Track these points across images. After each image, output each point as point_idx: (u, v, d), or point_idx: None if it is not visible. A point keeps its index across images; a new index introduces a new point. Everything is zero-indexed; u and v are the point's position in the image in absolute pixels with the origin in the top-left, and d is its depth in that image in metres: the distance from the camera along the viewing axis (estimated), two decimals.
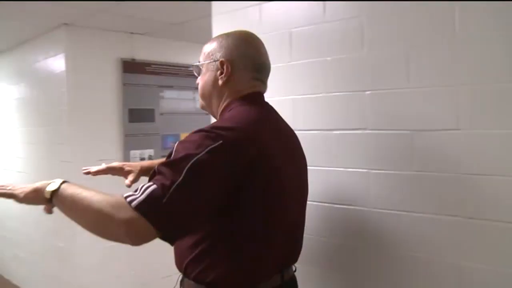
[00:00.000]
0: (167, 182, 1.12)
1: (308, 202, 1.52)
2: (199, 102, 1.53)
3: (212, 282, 1.29)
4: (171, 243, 1.19)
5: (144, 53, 3.97)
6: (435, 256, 1.46)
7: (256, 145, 1.24)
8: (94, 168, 1.74)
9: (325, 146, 1.75)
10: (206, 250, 1.30)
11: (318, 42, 1.77)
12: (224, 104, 1.41)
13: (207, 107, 1.49)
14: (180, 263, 1.37)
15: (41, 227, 4.18)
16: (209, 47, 1.44)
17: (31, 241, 4.44)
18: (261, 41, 1.47)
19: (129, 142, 3.85)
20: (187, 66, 4.27)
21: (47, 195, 1.26)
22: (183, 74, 4.27)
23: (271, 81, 1.87)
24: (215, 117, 1.47)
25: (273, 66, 1.92)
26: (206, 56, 1.44)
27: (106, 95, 3.75)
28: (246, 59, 1.40)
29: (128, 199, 1.12)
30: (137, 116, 3.94)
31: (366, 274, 1.64)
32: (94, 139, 3.62)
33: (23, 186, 1.34)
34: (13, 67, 4.59)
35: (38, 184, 1.30)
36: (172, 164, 1.17)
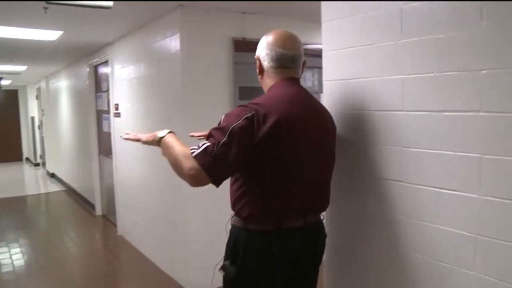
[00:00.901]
0: (215, 141, 1.62)
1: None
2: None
3: (246, 216, 1.77)
4: (217, 185, 1.68)
5: (255, 32, 4.00)
6: None
7: (277, 116, 1.66)
8: (196, 134, 2.25)
9: (434, 128, 1.66)
10: (244, 193, 1.77)
11: (430, 18, 1.67)
12: (267, 87, 1.89)
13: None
14: (231, 202, 1.86)
15: (155, 198, 4.49)
16: None
17: (147, 209, 4.79)
18: (286, 36, 1.88)
19: None
20: None
21: (157, 139, 1.82)
22: None
23: (380, 60, 1.81)
24: None
25: (381, 44, 1.86)
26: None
27: (218, 73, 3.88)
28: (268, 53, 1.86)
29: (191, 151, 1.65)
30: (247, 93, 4.00)
31: None
32: (205, 115, 3.76)
33: (145, 133, 1.94)
34: (134, 49, 4.91)
35: (155, 132, 1.86)
36: (219, 129, 1.66)
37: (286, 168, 1.73)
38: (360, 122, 2.00)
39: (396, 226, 1.82)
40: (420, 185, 1.73)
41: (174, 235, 4.14)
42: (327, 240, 2.00)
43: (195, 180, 1.64)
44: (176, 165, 1.70)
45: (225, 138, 1.61)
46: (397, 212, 1.82)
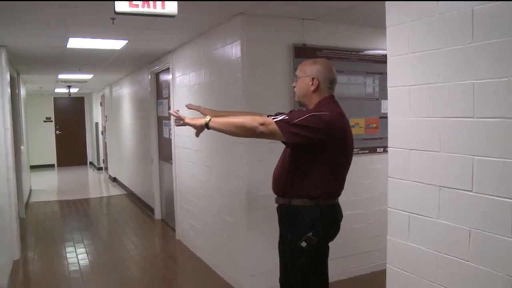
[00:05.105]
0: (293, 118, 2.27)
1: None
2: (296, 96, 2.58)
3: (318, 195, 2.36)
4: (287, 145, 2.41)
5: (315, 38, 4.00)
6: None
7: (337, 122, 2.37)
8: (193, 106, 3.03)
9: (508, 136, 1.58)
10: (311, 178, 2.37)
11: (504, 20, 1.59)
12: (317, 101, 2.46)
13: (303, 102, 2.54)
14: (288, 187, 2.46)
15: (214, 203, 4.54)
16: (304, 67, 2.51)
17: (205, 215, 4.85)
18: (332, 64, 2.52)
19: None
20: (358, 51, 4.20)
21: (204, 123, 2.34)
22: (354, 58, 4.19)
23: (448, 64, 1.75)
24: (307, 107, 2.50)
25: (451, 48, 1.80)
26: (303, 72, 2.50)
27: (278, 79, 3.88)
28: (325, 77, 2.46)
29: (271, 117, 2.33)
30: None
31: None
32: None
33: (190, 118, 2.47)
34: (195, 56, 5.00)
35: (197, 118, 2.42)
36: (300, 112, 2.42)
37: (341, 160, 2.44)
38: (426, 129, 1.94)
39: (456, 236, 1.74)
40: (491, 195, 1.65)
41: (231, 241, 4.17)
42: None
43: (268, 131, 2.24)
44: (244, 124, 2.28)
45: (300, 119, 2.24)
46: (465, 222, 1.74)
